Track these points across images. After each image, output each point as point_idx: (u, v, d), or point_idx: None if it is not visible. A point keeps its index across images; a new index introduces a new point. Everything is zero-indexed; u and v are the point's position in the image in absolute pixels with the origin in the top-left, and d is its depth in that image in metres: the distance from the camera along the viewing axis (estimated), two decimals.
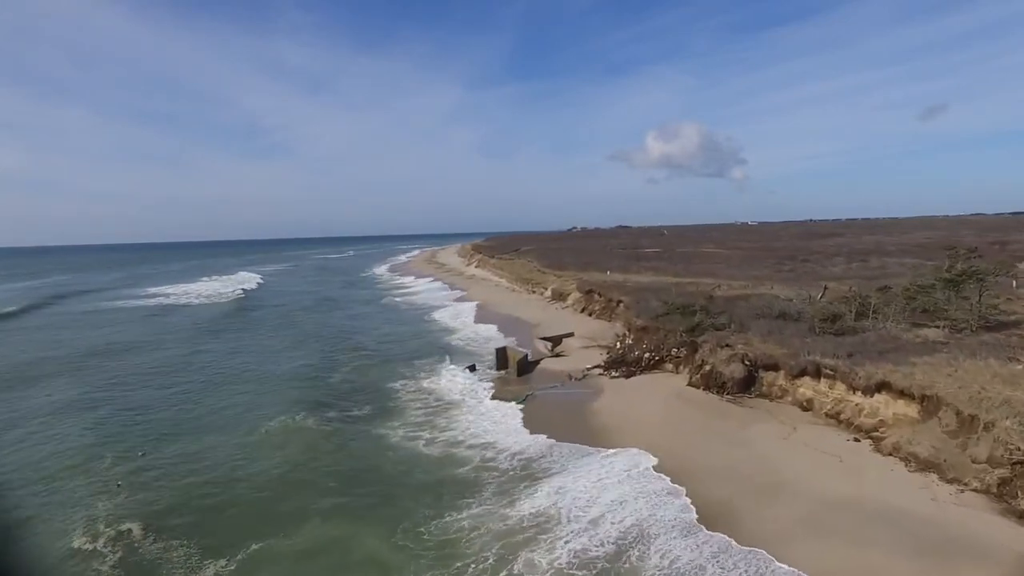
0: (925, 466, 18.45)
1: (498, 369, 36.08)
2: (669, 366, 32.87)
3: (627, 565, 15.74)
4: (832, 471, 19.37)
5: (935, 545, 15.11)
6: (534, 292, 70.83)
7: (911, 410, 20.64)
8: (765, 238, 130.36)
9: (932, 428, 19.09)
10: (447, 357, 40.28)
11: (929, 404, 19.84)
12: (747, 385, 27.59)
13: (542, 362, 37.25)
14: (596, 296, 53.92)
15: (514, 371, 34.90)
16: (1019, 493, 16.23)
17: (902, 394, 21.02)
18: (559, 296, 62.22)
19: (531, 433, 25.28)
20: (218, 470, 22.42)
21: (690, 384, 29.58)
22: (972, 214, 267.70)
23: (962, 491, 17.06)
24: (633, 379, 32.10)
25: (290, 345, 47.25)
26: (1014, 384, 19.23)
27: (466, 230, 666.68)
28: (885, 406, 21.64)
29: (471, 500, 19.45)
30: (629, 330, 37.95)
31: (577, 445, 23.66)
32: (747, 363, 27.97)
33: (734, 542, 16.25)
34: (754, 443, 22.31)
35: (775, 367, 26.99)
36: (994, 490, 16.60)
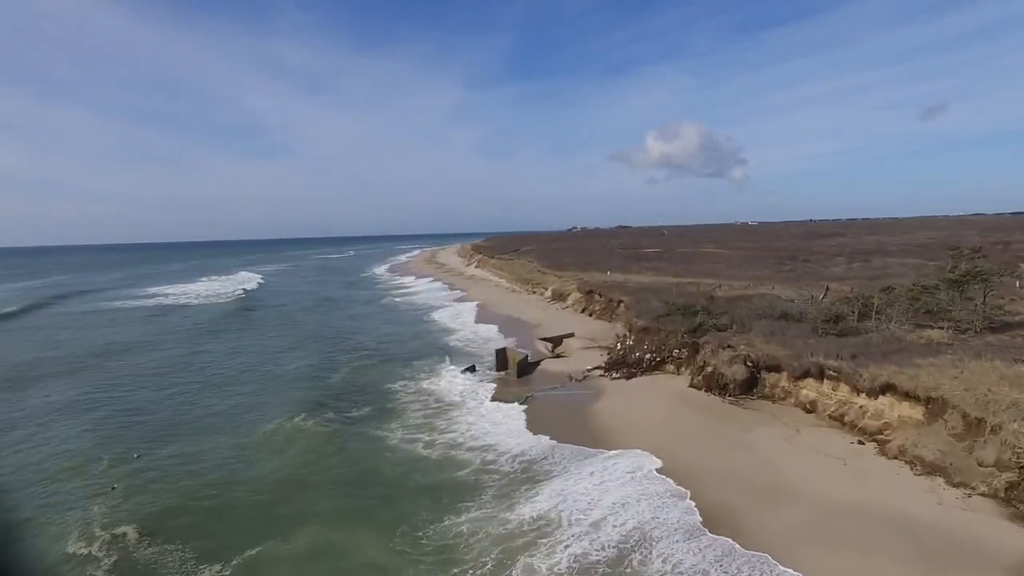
0: (931, 469, 18.19)
1: (498, 370, 35.84)
2: (670, 367, 32.62)
3: (628, 570, 15.50)
4: (837, 474, 19.12)
5: (942, 550, 14.86)
6: (534, 292, 70.59)
7: (916, 412, 20.39)
8: (765, 238, 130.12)
9: (938, 431, 18.84)
10: (447, 358, 40.05)
11: (935, 406, 19.59)
12: (749, 387, 27.33)
13: (542, 363, 37.01)
14: (596, 296, 53.69)
15: (514, 372, 34.66)
16: None
17: (907, 396, 20.76)
18: (559, 296, 61.98)
19: (532, 435, 25.04)
20: (215, 472, 22.19)
21: (692, 385, 29.33)
22: (972, 214, 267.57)
23: (969, 495, 16.80)
24: (634, 380, 31.85)
25: (290, 345, 47.03)
26: (1021, 386, 18.97)
27: (466, 230, 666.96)
28: (890, 408, 21.39)
29: (471, 503, 19.21)
30: (630, 331, 37.70)
31: (578, 447, 23.43)
32: (749, 364, 27.71)
33: (738, 546, 16.01)
34: (757, 445, 22.07)
35: (778, 368, 26.74)
36: (1002, 494, 16.34)
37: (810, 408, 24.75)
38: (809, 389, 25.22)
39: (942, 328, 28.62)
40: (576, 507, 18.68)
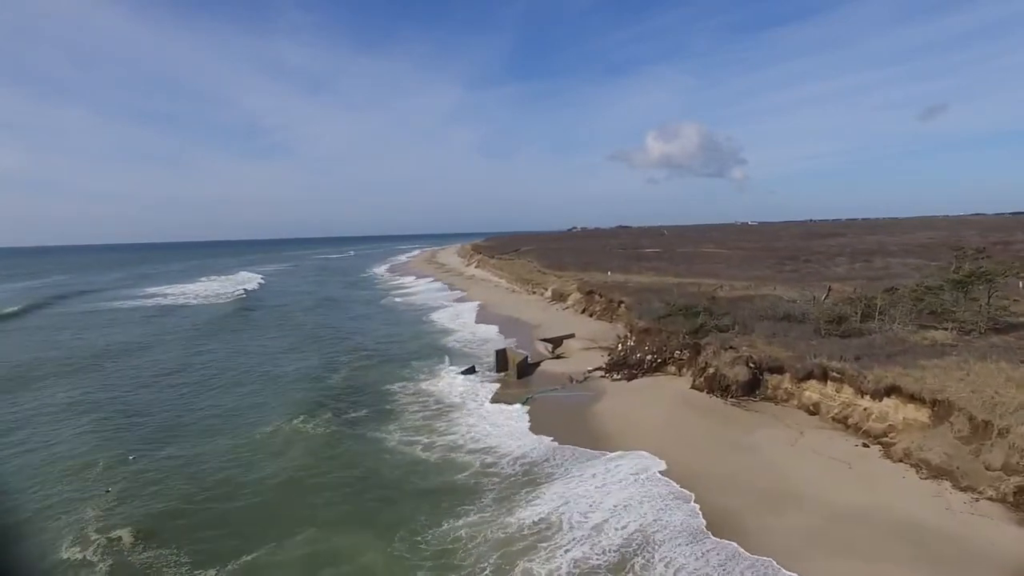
0: (937, 473, 17.93)
1: (498, 371, 35.60)
2: (672, 369, 32.37)
3: (630, 575, 15.25)
4: (842, 478, 18.87)
5: (949, 556, 14.61)
6: (534, 293, 70.35)
7: (921, 415, 20.13)
8: (766, 238, 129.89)
9: (944, 434, 18.58)
10: (447, 358, 39.79)
11: (940, 409, 19.33)
12: (752, 388, 27.09)
13: (542, 364, 36.77)
14: (597, 297, 53.44)
15: (514, 373, 34.41)
16: None
17: (912, 398, 20.51)
18: (559, 297, 61.73)
19: (532, 437, 24.79)
20: (212, 475, 21.94)
21: (693, 387, 29.08)
22: (972, 214, 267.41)
23: (977, 500, 16.54)
24: (635, 382, 31.61)
25: (289, 346, 46.81)
26: None
27: (466, 230, 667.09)
28: (895, 410, 21.13)
29: (470, 507, 18.96)
30: (631, 332, 37.45)
31: (579, 449, 23.19)
32: (751, 366, 27.47)
33: (742, 550, 15.77)
34: (761, 448, 21.82)
35: (780, 370, 26.49)
36: (1010, 499, 16.07)
37: (813, 410, 24.50)
38: (812, 391, 24.97)
39: (946, 329, 28.37)
40: (577, 510, 18.45)
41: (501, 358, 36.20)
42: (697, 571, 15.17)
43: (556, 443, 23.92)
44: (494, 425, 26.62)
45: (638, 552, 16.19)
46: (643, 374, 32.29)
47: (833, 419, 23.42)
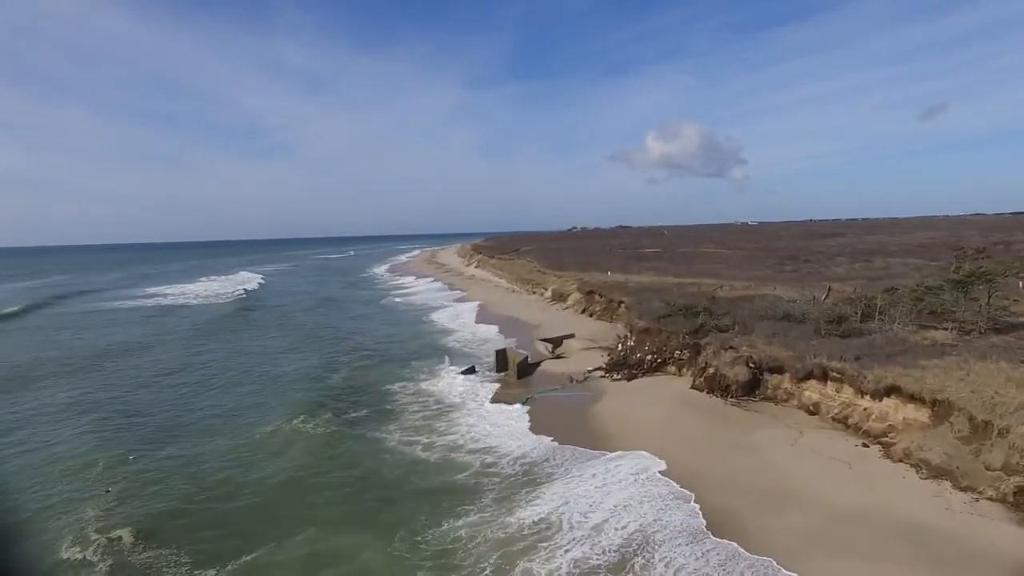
0: (937, 473, 17.92)
1: (498, 371, 35.59)
2: (672, 369, 32.36)
3: (630, 575, 15.25)
4: (842, 478, 18.86)
5: (949, 556, 14.61)
6: (534, 293, 70.35)
7: (921, 415, 20.12)
8: (766, 238, 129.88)
9: (944, 434, 18.57)
10: (446, 358, 39.80)
11: (940, 409, 19.32)
12: (752, 388, 27.08)
13: (542, 364, 36.76)
14: (597, 297, 53.43)
15: (514, 373, 34.40)
16: None
17: (912, 398, 20.49)
18: (559, 297, 61.73)
19: (532, 437, 24.79)
20: (212, 476, 21.93)
21: (693, 387, 29.07)
22: (972, 214, 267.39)
23: (977, 500, 16.53)
24: (635, 382, 31.60)
25: (289, 346, 46.81)
26: None
27: (466, 230, 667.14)
28: (895, 410, 21.12)
29: (470, 507, 18.95)
30: (631, 332, 37.45)
31: (579, 449, 23.19)
32: (751, 366, 27.47)
33: (742, 550, 15.76)
34: (761, 448, 21.81)
35: (780, 370, 26.49)
36: (1010, 499, 16.06)
37: (813, 410, 24.49)
38: (812, 391, 24.97)
39: (946, 329, 28.36)
40: (577, 510, 18.45)
41: (501, 358, 36.19)
42: (697, 571, 15.17)
43: (556, 443, 23.91)
44: (494, 425, 26.61)
45: (638, 552, 16.19)
46: (643, 374, 32.28)
47: (833, 419, 23.42)
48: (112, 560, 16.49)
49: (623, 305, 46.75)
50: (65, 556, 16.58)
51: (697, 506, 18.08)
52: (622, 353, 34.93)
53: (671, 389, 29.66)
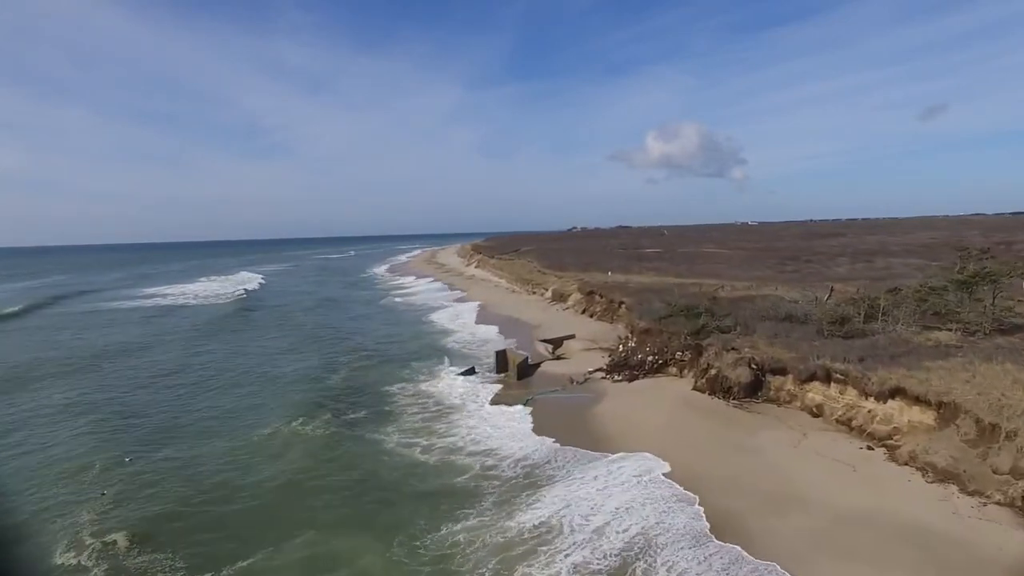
0: (944, 477, 17.67)
1: (498, 372, 35.36)
2: (673, 370, 32.12)
3: None
4: (846, 481, 18.62)
5: (957, 562, 14.37)
6: (534, 293, 70.12)
7: (927, 417, 19.88)
8: (766, 238, 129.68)
9: (950, 436, 18.33)
10: (446, 359, 39.59)
11: (946, 411, 19.08)
12: (754, 390, 26.84)
13: (543, 365, 36.53)
14: (597, 297, 53.20)
15: (514, 374, 34.17)
16: None
17: (917, 400, 20.25)
18: (560, 297, 61.50)
19: (533, 439, 24.55)
20: (209, 478, 21.70)
21: (695, 388, 28.83)
22: (972, 214, 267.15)
23: (984, 504, 16.28)
24: (636, 383, 31.36)
25: (289, 347, 46.59)
26: None
27: (466, 230, 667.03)
28: (899, 413, 20.88)
29: (470, 511, 18.71)
30: (632, 332, 37.22)
31: (580, 451, 22.95)
32: (754, 367, 27.23)
33: (746, 554, 15.54)
34: (763, 450, 21.59)
35: (783, 371, 26.25)
36: (1019, 503, 15.80)
37: (816, 412, 24.26)
38: (815, 392, 24.73)
39: (950, 330, 28.12)
40: (578, 513, 18.22)
41: (501, 359, 35.96)
42: None
43: (557, 445, 23.68)
44: (494, 427, 26.38)
45: (640, 556, 15.97)
46: (644, 375, 32.04)
47: (837, 421, 23.17)
48: (107, 565, 16.26)
49: (624, 306, 46.52)
50: (59, 561, 16.34)
51: (701, 509, 17.85)
52: (623, 354, 34.69)
53: (672, 390, 29.43)
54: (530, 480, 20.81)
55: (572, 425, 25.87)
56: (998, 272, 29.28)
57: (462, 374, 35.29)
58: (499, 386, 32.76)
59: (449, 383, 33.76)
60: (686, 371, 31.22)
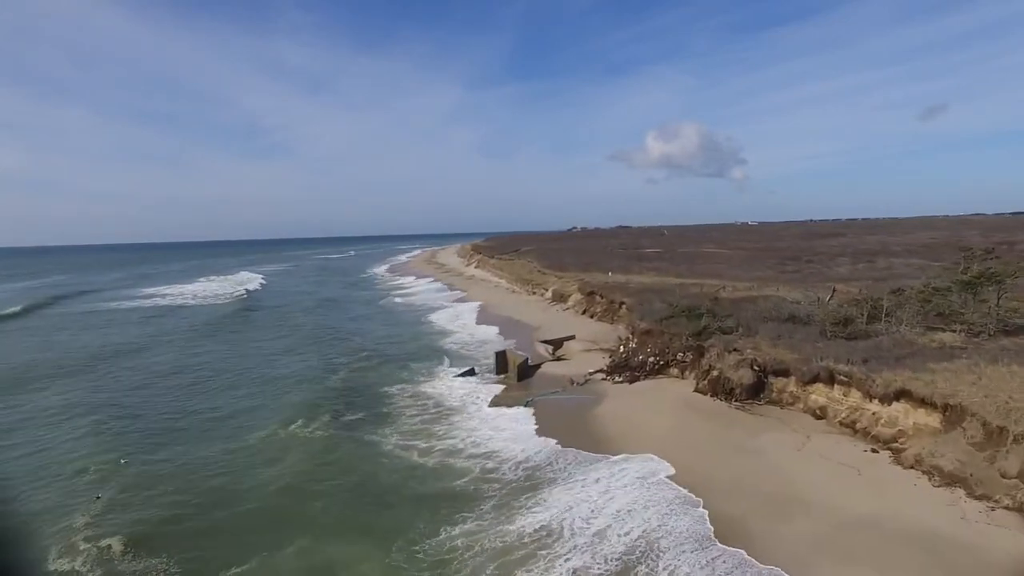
0: (950, 480, 17.41)
1: (497, 373, 35.11)
2: (674, 371, 31.86)
3: None
4: (851, 484, 18.37)
5: (966, 567, 14.13)
6: (534, 293, 69.87)
7: (932, 420, 19.61)
8: (767, 238, 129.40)
9: (956, 439, 18.07)
10: (446, 360, 39.37)
11: (952, 414, 18.82)
12: (756, 391, 26.59)
13: (543, 366, 36.28)
14: (598, 298, 52.94)
15: (514, 375, 33.91)
16: None
17: (923, 403, 19.97)
18: (560, 297, 61.25)
19: (533, 441, 24.33)
20: (206, 482, 21.46)
21: (697, 390, 28.58)
22: (972, 214, 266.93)
23: (993, 509, 16.02)
24: (637, 384, 31.11)
25: (288, 347, 46.35)
26: None
27: (466, 230, 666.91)
28: (904, 415, 20.60)
29: (469, 514, 18.47)
30: (632, 333, 36.94)
31: (582, 453, 22.74)
32: (756, 368, 26.97)
33: (751, 559, 15.30)
34: (766, 453, 21.34)
35: (785, 373, 26.00)
36: None
37: (820, 414, 24.00)
38: (819, 394, 24.47)
39: (954, 331, 27.85)
40: (579, 515, 18.04)
41: (501, 360, 35.71)
42: None
43: (558, 447, 23.48)
44: (494, 429, 26.14)
45: (642, 560, 15.76)
46: (645, 376, 31.79)
47: (840, 423, 22.91)
48: (101, 570, 16.05)
49: (624, 306, 46.27)
50: (53, 567, 16.09)
51: (705, 512, 17.61)
52: (624, 355, 34.43)
53: (674, 392, 29.18)
54: (530, 483, 20.57)
55: (573, 427, 25.63)
56: (1002, 273, 28.99)
57: (462, 375, 35.05)
58: (499, 387, 32.51)
59: (449, 384, 33.52)
60: (687, 372, 30.97)
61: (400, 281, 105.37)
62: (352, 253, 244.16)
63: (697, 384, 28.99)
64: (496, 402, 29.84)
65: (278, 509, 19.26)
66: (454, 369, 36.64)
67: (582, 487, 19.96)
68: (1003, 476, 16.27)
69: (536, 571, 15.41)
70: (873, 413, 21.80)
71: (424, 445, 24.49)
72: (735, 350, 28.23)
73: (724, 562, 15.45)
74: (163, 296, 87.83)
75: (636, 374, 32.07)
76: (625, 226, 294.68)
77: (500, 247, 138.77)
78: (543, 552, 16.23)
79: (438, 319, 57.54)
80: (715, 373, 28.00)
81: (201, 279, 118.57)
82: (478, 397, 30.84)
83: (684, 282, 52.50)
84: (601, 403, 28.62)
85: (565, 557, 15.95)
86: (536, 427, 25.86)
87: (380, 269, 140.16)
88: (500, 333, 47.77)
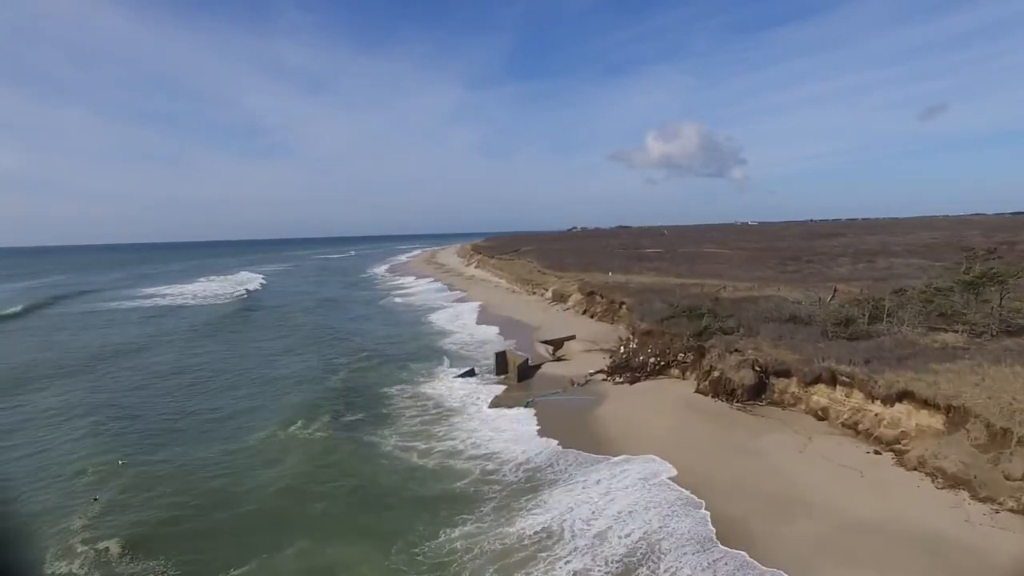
0: (954, 482, 17.28)
1: (497, 374, 34.98)
2: (675, 372, 31.74)
3: None
4: (854, 486, 18.25)
5: (970, 570, 14.02)
6: (534, 293, 69.76)
7: (936, 421, 19.49)
8: (767, 238, 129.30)
9: (960, 441, 17.95)
10: (446, 360, 39.26)
11: (956, 415, 18.69)
12: (758, 392, 26.47)
13: (543, 366, 36.16)
14: (598, 298, 52.82)
15: (514, 376, 33.80)
16: None
17: (926, 404, 19.85)
18: (560, 297, 61.13)
19: (533, 442, 24.21)
20: (204, 483, 21.34)
21: (698, 391, 28.46)
22: (972, 214, 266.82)
23: (997, 511, 15.89)
24: (638, 385, 30.99)
25: (288, 348, 46.24)
26: None
27: (466, 230, 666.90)
28: (907, 416, 20.48)
29: (469, 516, 18.35)
30: (633, 334, 36.81)
31: (583, 454, 22.63)
32: (757, 369, 26.85)
33: (753, 561, 15.19)
34: (768, 454, 21.22)
35: (787, 373, 25.87)
36: None
37: (822, 415, 23.88)
38: (820, 395, 24.35)
39: (957, 332, 27.72)
40: (580, 517, 17.93)
41: (501, 360, 35.59)
42: None
43: (559, 448, 23.38)
44: (495, 430, 26.03)
45: (643, 562, 15.66)
46: (646, 377, 31.67)
47: (843, 425, 22.79)
48: (99, 573, 15.95)
49: (625, 306, 46.15)
50: (50, 570, 15.96)
51: (708, 513, 17.50)
52: (624, 356, 34.31)
53: (675, 393, 29.06)
54: (531, 484, 20.46)
55: (573, 428, 25.51)
56: (1005, 273, 28.84)
57: (462, 376, 34.94)
58: (499, 388, 32.40)
59: (449, 385, 33.41)
60: (688, 373, 30.85)
61: (400, 281, 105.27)
62: (352, 253, 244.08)
63: (698, 385, 28.87)
64: (496, 403, 29.72)
65: (277, 510, 19.15)
66: (454, 370, 36.53)
67: (583, 488, 19.85)
68: (1007, 478, 16.14)
69: (536, 574, 15.31)
70: (875, 414, 21.68)
71: (424, 446, 24.38)
72: (736, 351, 28.12)
73: (726, 564, 15.34)
74: (163, 296, 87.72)
75: (637, 375, 31.94)
76: (625, 226, 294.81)
77: (500, 247, 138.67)
78: (543, 554, 16.11)
79: (438, 319, 57.43)
80: (716, 374, 27.88)
81: (201, 279, 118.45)
82: (478, 398, 30.73)
83: (684, 282, 52.37)
84: (602, 404, 28.50)
85: (565, 560, 15.84)
86: (537, 428, 25.74)
87: (380, 269, 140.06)
88: (500, 333, 47.66)
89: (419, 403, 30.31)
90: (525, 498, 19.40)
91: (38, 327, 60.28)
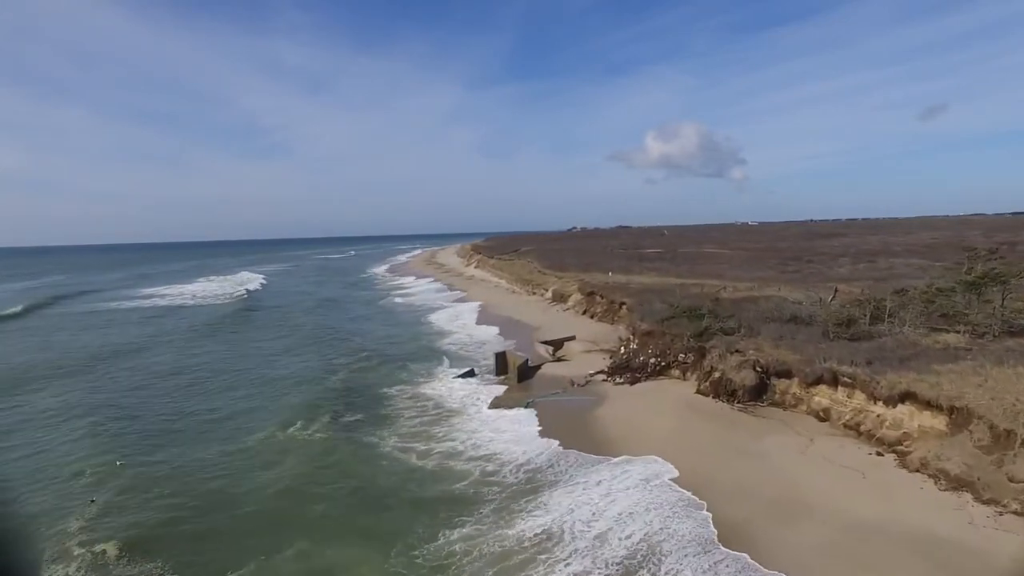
0: (957, 484, 17.16)
1: (497, 374, 34.88)
2: (676, 372, 31.63)
3: None
4: (856, 488, 18.14)
5: (974, 573, 13.90)
6: (534, 293, 69.65)
7: (938, 422, 19.37)
8: (767, 238, 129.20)
9: (963, 442, 17.84)
10: (445, 360, 39.16)
11: (958, 416, 18.58)
12: (759, 393, 26.36)
13: (543, 367, 36.05)
14: (598, 298, 52.71)
15: (514, 376, 33.69)
16: None
17: (928, 405, 19.74)
18: (560, 298, 61.02)
19: (533, 443, 24.11)
20: (203, 485, 21.22)
21: (698, 392, 28.35)
22: (972, 214, 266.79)
23: (1000, 513, 15.78)
24: (638, 386, 30.88)
25: (288, 348, 46.15)
26: None
27: (466, 230, 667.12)
28: (910, 417, 20.37)
29: (468, 518, 18.25)
30: (633, 334, 36.70)
31: (583, 455, 22.52)
32: (759, 370, 26.75)
33: (755, 563, 15.08)
34: (770, 455, 21.11)
35: (788, 374, 25.77)
36: None
37: (823, 416, 23.77)
38: (822, 396, 24.23)
39: (959, 332, 27.61)
40: (580, 518, 17.82)
41: (501, 361, 35.49)
42: None
43: (559, 448, 23.27)
44: (495, 430, 25.92)
45: (643, 564, 15.55)
46: (646, 378, 31.56)
47: (844, 426, 22.67)
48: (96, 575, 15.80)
49: (625, 307, 46.04)
50: (46, 573, 15.84)
51: (709, 515, 17.40)
52: (624, 356, 34.22)
53: (675, 393, 28.95)
54: (531, 485, 20.36)
55: (573, 428, 25.41)
56: (1007, 273, 28.73)
57: (461, 376, 34.83)
58: (499, 388, 32.29)
59: (448, 385, 33.30)
60: (689, 374, 30.74)
61: (400, 281, 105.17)
62: (352, 253, 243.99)
63: (699, 385, 28.77)
64: (496, 403, 29.61)
65: (276, 512, 19.04)
66: (454, 370, 36.42)
67: (583, 489, 19.74)
68: (1011, 480, 16.03)
69: None
70: (877, 415, 21.57)
71: (423, 447, 24.27)
72: (737, 351, 28.01)
73: (728, 566, 15.23)
74: (163, 296, 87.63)
75: (637, 375, 31.84)
76: (625, 226, 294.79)
77: (500, 247, 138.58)
78: (543, 556, 16.01)
79: (438, 319, 57.33)
80: (717, 374, 27.78)
81: (201, 279, 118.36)
82: (478, 398, 30.62)
83: (685, 282, 52.25)
84: (602, 404, 28.40)
85: (565, 562, 15.74)
86: (537, 429, 25.63)
87: (380, 269, 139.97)
88: (500, 333, 47.56)
89: (419, 404, 30.20)
90: (525, 499, 19.29)
91: (38, 327, 60.16)
